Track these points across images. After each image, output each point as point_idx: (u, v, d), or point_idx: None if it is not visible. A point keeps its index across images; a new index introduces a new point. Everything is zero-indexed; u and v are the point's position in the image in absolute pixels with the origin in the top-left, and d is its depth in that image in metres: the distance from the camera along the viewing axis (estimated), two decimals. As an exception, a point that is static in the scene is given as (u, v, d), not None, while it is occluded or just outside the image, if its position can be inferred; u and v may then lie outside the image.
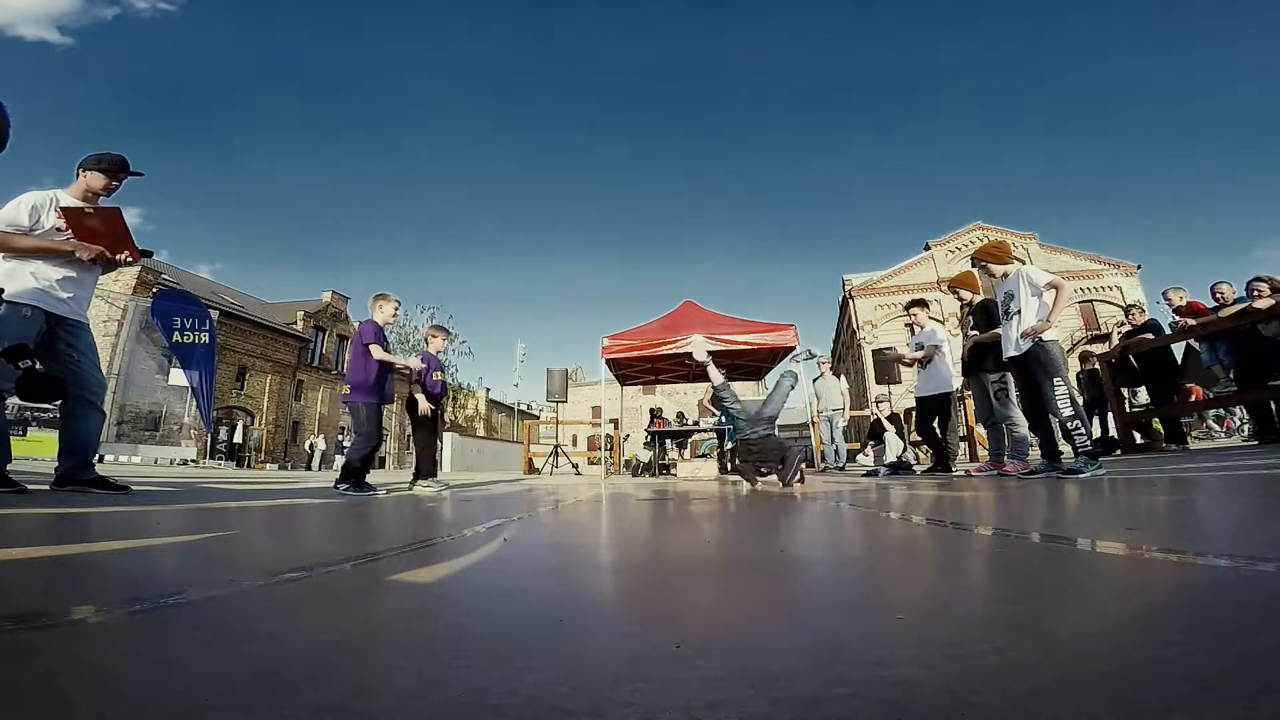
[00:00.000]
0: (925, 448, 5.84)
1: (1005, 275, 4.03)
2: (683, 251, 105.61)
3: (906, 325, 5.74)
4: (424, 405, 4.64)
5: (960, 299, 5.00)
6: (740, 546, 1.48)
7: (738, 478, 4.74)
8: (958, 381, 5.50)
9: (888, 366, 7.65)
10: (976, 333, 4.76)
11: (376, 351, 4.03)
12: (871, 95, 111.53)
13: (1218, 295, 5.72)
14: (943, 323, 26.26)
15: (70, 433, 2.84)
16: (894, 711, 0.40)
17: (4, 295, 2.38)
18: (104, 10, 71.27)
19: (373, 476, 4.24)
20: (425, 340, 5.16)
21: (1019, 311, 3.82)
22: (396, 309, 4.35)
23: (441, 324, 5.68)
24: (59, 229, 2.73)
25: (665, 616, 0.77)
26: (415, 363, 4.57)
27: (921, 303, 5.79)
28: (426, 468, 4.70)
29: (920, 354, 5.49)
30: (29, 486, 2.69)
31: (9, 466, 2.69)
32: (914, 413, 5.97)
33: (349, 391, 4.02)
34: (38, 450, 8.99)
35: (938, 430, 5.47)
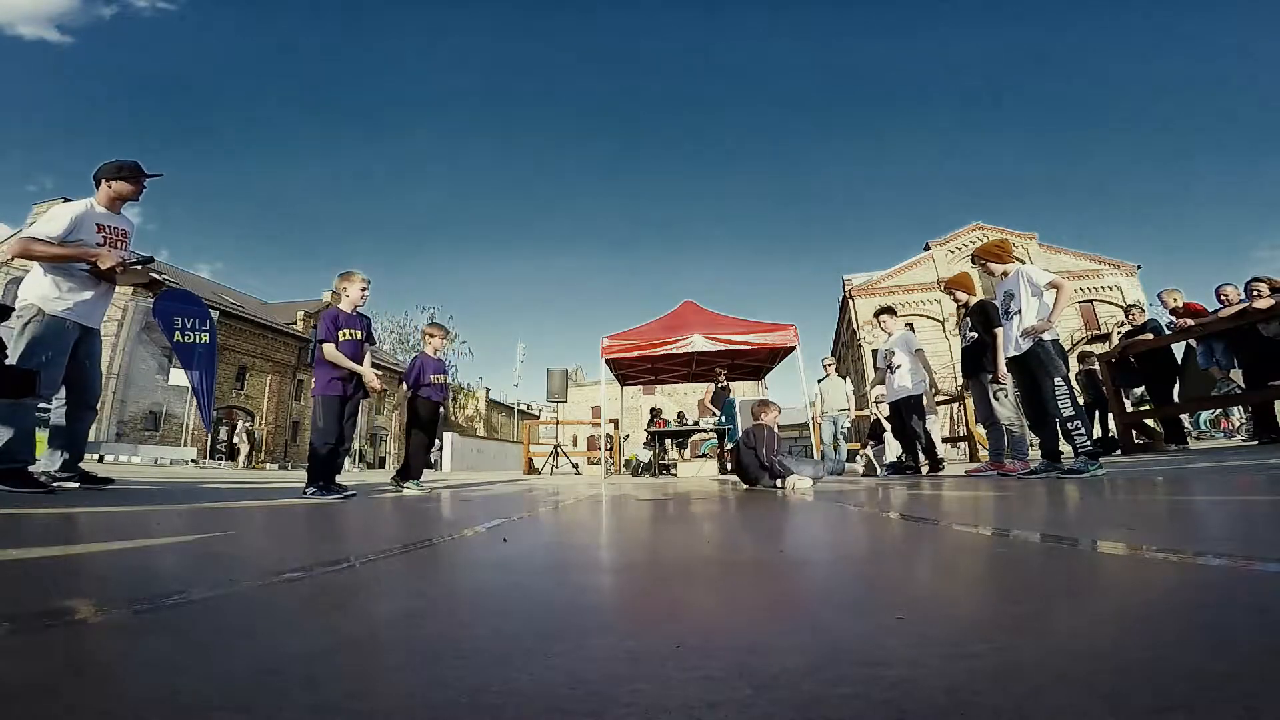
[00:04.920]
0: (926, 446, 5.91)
1: (1006, 274, 4.03)
2: (683, 251, 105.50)
3: (887, 333, 5.87)
4: (368, 375, 3.75)
5: (957, 300, 5.01)
6: (739, 547, 1.48)
7: (736, 478, 4.70)
8: (925, 383, 5.67)
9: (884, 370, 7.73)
10: (975, 334, 4.76)
11: (329, 351, 3.59)
12: (871, 95, 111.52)
13: (1223, 297, 5.72)
14: (942, 323, 26.12)
15: (71, 433, 3.08)
16: (894, 711, 0.40)
17: (47, 310, 2.77)
18: (103, 9, 71.27)
19: (372, 476, 4.21)
20: (423, 338, 4.90)
21: (1019, 311, 3.81)
22: (364, 288, 3.83)
23: (439, 322, 5.43)
24: (99, 242, 2.96)
25: (665, 616, 0.77)
26: (370, 375, 3.72)
27: (889, 310, 5.94)
28: (414, 468, 4.48)
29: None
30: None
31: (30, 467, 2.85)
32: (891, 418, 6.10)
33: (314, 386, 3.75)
34: (39, 449, 8.96)
35: (916, 429, 5.59)
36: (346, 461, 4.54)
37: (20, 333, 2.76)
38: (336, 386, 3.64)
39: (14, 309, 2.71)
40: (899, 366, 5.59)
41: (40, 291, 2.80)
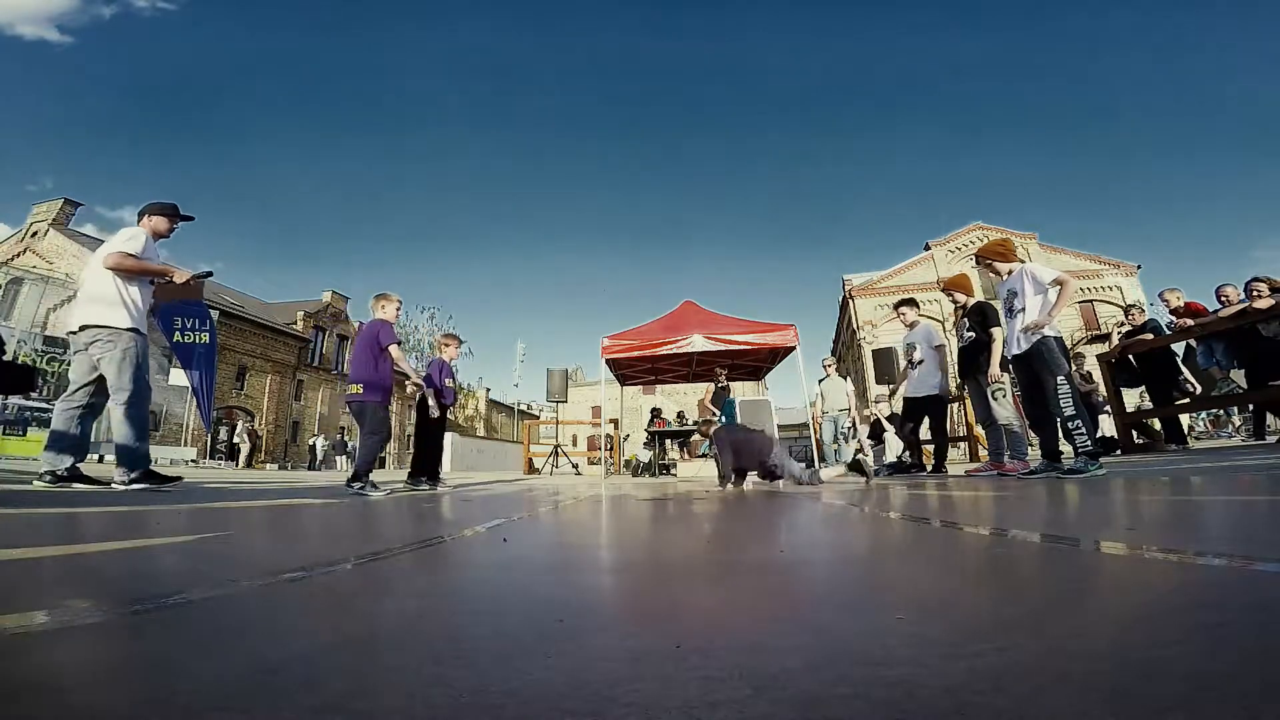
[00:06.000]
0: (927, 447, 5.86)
1: (1009, 273, 4.02)
2: (683, 251, 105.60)
3: (908, 325, 5.75)
4: (434, 409, 4.67)
5: (954, 301, 4.99)
6: (740, 547, 1.48)
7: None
8: (952, 383, 5.49)
9: (888, 366, 7.65)
10: (972, 335, 4.76)
11: (397, 354, 4.06)
12: (871, 95, 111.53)
13: (1222, 298, 5.72)
14: (943, 323, 26.19)
15: (83, 435, 3.35)
16: (894, 711, 0.40)
17: (129, 328, 3.19)
18: (103, 9, 71.28)
19: (373, 476, 4.24)
20: (438, 348, 5.23)
21: (1023, 309, 3.80)
22: (399, 308, 4.38)
23: (453, 332, 5.72)
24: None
25: (665, 616, 0.77)
26: (413, 374, 4.44)
27: (911, 302, 5.80)
28: (429, 469, 4.72)
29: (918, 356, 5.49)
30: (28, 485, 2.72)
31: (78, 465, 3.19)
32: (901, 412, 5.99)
33: (360, 390, 3.99)
34: (38, 450, 8.98)
35: (928, 431, 5.51)
36: (344, 460, 4.71)
37: (122, 356, 3.13)
38: (388, 392, 4.10)
39: (32, 369, 3.03)
40: (921, 362, 5.40)
41: (125, 312, 3.17)
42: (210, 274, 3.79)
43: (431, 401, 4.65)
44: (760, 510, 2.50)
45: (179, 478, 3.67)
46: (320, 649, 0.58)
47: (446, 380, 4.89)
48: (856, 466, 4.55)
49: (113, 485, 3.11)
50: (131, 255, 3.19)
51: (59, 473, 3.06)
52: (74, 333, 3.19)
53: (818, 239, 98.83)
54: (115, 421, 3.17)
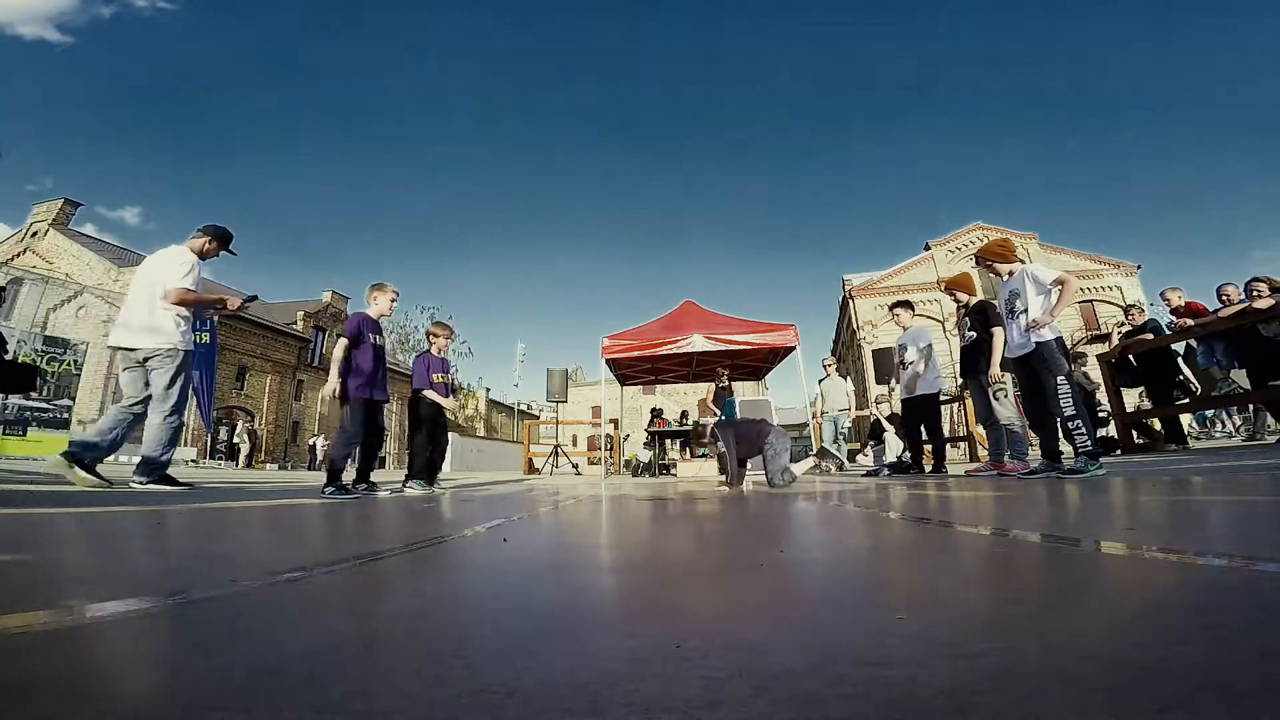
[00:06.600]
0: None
1: (1010, 274, 4.02)
2: (683, 251, 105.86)
3: (903, 327, 5.78)
4: (445, 402, 4.53)
5: (957, 301, 5.00)
6: (739, 546, 1.48)
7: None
8: (943, 383, 5.55)
9: (888, 364, 7.66)
10: (974, 334, 4.76)
11: (340, 346, 3.80)
12: (871, 95, 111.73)
13: (1223, 297, 5.72)
14: (942, 323, 26.07)
15: (121, 439, 3.51)
16: (894, 711, 0.40)
17: (183, 349, 3.49)
18: (103, 9, 71.33)
19: (373, 476, 4.20)
20: (428, 338, 4.91)
21: (1024, 310, 3.80)
22: (394, 300, 4.17)
23: (442, 321, 5.44)
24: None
25: (665, 616, 0.77)
26: (333, 382, 3.80)
27: (906, 304, 5.84)
28: (419, 469, 4.50)
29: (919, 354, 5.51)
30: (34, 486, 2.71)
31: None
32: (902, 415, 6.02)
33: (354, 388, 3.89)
34: (38, 449, 8.98)
35: (923, 432, 5.53)
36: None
37: (175, 371, 3.40)
38: (364, 390, 3.86)
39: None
40: (911, 363, 5.49)
41: (178, 334, 3.46)
42: (255, 298, 4.02)
43: (431, 394, 4.52)
44: (759, 510, 2.49)
45: (190, 484, 3.77)
46: (320, 649, 0.58)
47: (435, 375, 4.55)
48: (823, 454, 4.57)
49: (130, 485, 3.27)
50: (192, 290, 3.48)
51: (85, 461, 3.16)
52: (128, 350, 3.37)
53: (818, 239, 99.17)
54: (151, 428, 3.34)
